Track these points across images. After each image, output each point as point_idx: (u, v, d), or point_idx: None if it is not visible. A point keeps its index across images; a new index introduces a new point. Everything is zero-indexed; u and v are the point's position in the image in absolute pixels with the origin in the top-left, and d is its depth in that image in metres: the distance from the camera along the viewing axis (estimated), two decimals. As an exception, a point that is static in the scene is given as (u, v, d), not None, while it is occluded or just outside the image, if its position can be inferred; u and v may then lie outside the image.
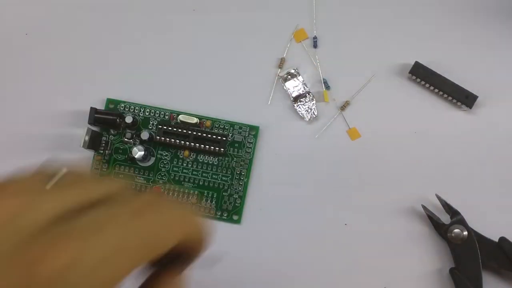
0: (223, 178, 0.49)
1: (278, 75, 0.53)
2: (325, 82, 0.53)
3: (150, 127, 0.49)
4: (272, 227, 0.50)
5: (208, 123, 0.48)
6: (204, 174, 0.49)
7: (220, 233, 0.50)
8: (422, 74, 0.51)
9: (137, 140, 0.50)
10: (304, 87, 0.52)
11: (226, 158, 0.50)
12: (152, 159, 0.49)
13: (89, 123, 0.48)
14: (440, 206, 0.49)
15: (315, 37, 0.53)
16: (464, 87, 0.51)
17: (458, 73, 0.52)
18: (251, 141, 0.49)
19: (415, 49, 0.53)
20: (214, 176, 0.49)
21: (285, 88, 0.52)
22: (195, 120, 0.49)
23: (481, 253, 0.47)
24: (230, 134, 0.49)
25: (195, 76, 0.53)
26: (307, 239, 0.50)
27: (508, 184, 0.50)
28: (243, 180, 0.50)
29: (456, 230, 0.48)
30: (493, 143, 0.51)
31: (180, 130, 0.48)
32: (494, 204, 0.50)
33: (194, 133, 0.48)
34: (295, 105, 0.52)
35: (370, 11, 0.54)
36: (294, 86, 0.52)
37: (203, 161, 0.50)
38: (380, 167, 0.51)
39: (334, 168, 0.51)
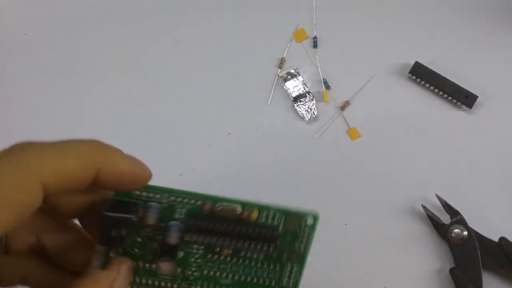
0: (270, 274, 0.37)
1: (278, 75, 0.53)
2: (325, 82, 0.53)
3: (177, 217, 0.34)
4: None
5: (255, 213, 0.35)
6: (246, 270, 0.37)
7: None
8: (422, 74, 0.51)
9: (161, 246, 0.33)
10: (304, 87, 0.52)
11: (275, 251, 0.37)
12: (180, 253, 0.35)
13: (99, 228, 0.30)
14: (440, 206, 0.49)
15: (315, 37, 0.53)
16: (464, 87, 0.51)
17: (458, 73, 0.52)
18: (307, 232, 0.38)
19: (415, 49, 0.53)
20: (258, 272, 0.37)
21: (285, 88, 0.52)
22: (238, 209, 0.35)
23: (481, 253, 0.47)
24: (281, 226, 0.36)
25: (194, 76, 0.53)
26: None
27: (508, 184, 0.50)
28: (294, 277, 0.37)
29: (456, 230, 0.48)
30: (493, 143, 0.51)
31: (218, 225, 0.34)
32: (494, 204, 0.50)
33: (237, 228, 0.34)
34: (295, 105, 0.52)
35: (370, 11, 0.54)
36: (294, 86, 0.52)
37: (246, 256, 0.36)
38: (380, 167, 0.51)
39: (334, 168, 0.51)
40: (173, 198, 0.32)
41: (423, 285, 0.49)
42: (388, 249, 0.50)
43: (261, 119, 0.52)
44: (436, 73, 0.51)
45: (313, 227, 0.38)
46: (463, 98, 0.51)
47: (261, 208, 0.35)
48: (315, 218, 0.38)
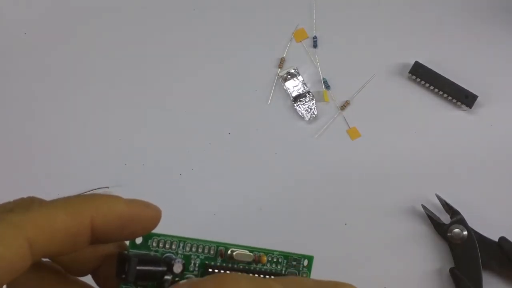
0: None
1: (278, 75, 0.53)
2: (325, 82, 0.53)
3: (192, 270, 0.34)
4: (272, 227, 0.50)
5: (264, 258, 0.38)
6: None
7: None
8: (422, 74, 0.51)
9: None
10: (304, 87, 0.52)
11: None
12: None
13: (129, 280, 0.28)
14: (440, 206, 0.49)
15: (315, 37, 0.53)
16: (464, 87, 0.51)
17: (458, 73, 0.52)
18: (305, 271, 0.41)
19: (415, 49, 0.53)
20: None
21: (285, 88, 0.52)
22: (251, 257, 0.37)
23: (481, 253, 0.47)
24: (284, 269, 0.40)
25: (194, 76, 0.53)
26: (307, 239, 0.50)
27: (508, 184, 0.50)
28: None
29: (456, 230, 0.48)
30: (493, 143, 0.51)
31: (236, 267, 0.35)
32: (494, 204, 0.50)
33: (251, 275, 0.36)
34: (295, 105, 0.52)
35: (370, 11, 0.54)
36: (294, 86, 0.52)
37: None
38: (380, 167, 0.51)
39: (334, 168, 0.51)
40: (187, 248, 0.32)
41: (423, 285, 0.49)
42: (388, 249, 0.50)
43: (261, 119, 0.52)
44: (436, 73, 0.51)
45: (308, 269, 0.41)
46: (463, 98, 0.51)
47: (267, 252, 0.37)
48: (310, 259, 0.41)
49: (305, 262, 0.41)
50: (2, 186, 0.51)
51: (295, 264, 0.40)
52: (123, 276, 0.26)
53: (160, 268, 0.29)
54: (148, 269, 0.28)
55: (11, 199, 0.24)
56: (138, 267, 0.27)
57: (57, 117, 0.53)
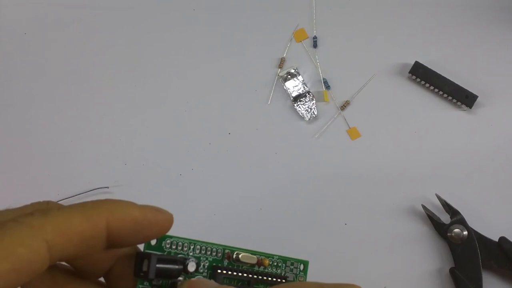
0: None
1: (278, 75, 0.53)
2: (325, 82, 0.53)
3: (201, 271, 0.36)
4: (272, 227, 0.50)
5: (267, 261, 0.40)
6: None
7: None
8: (422, 74, 0.52)
9: None
10: (304, 87, 0.52)
11: None
12: None
13: (150, 277, 0.30)
14: (440, 206, 0.49)
15: (315, 37, 0.53)
16: (464, 87, 0.51)
17: (458, 73, 0.52)
18: (301, 279, 0.44)
19: (415, 49, 0.53)
20: None
21: (285, 88, 0.53)
22: (255, 259, 0.39)
23: (481, 253, 0.47)
24: (284, 273, 0.42)
25: (194, 76, 0.53)
26: (307, 239, 0.50)
27: (508, 184, 0.50)
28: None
29: (456, 230, 0.48)
30: (493, 143, 0.51)
31: (241, 274, 0.37)
32: (494, 204, 0.50)
33: (255, 276, 0.38)
34: (295, 105, 0.52)
35: (370, 11, 0.54)
36: (294, 86, 0.52)
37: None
38: (380, 167, 0.51)
39: (334, 168, 0.51)
40: (197, 250, 0.34)
41: (423, 285, 0.49)
42: (388, 249, 0.50)
43: (261, 119, 0.52)
44: (436, 73, 0.51)
45: (305, 272, 0.43)
46: (463, 98, 0.51)
47: (268, 256, 0.39)
48: (306, 264, 0.43)
49: (301, 267, 0.42)
50: (2, 186, 0.51)
51: (292, 268, 0.42)
52: (142, 274, 0.27)
53: (177, 267, 0.30)
54: (166, 267, 0.29)
55: (11, 200, 0.25)
56: (158, 265, 0.28)
57: (57, 117, 0.53)
